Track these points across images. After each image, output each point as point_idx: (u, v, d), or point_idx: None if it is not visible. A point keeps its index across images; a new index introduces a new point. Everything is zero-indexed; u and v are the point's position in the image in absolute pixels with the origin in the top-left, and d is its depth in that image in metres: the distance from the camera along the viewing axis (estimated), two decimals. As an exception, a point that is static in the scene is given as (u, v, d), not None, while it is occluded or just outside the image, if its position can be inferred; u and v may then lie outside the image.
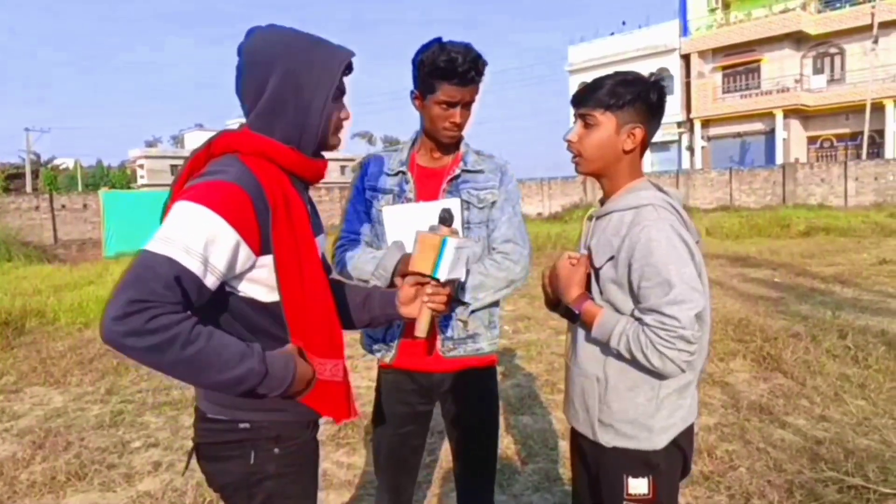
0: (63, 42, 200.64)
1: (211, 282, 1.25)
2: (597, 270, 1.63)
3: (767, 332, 5.94)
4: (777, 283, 9.25)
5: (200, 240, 1.20)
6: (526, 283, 2.10)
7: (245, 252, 1.29)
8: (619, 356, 1.56)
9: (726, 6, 34.46)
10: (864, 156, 27.91)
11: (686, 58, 34.11)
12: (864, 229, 16.17)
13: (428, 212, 1.94)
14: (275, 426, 1.40)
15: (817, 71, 32.04)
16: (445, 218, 1.67)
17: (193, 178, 1.34)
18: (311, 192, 1.59)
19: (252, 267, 1.32)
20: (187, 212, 1.22)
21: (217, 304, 1.34)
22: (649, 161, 36.13)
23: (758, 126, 32.26)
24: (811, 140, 32.47)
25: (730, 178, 26.33)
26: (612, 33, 37.32)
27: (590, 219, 1.74)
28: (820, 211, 20.89)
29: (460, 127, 1.96)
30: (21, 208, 20.58)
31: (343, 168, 58.52)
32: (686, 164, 33.60)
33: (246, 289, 1.36)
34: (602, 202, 1.72)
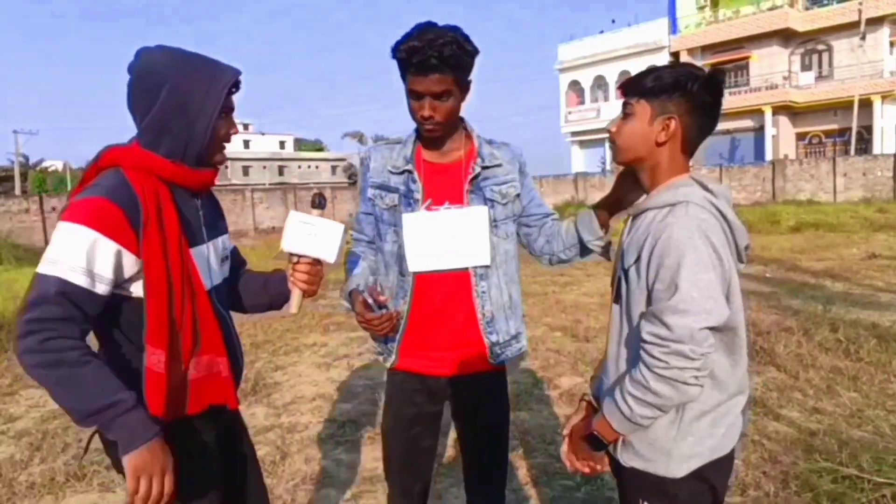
0: (51, 43, 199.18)
1: (102, 289, 1.39)
2: (625, 272, 1.52)
3: (760, 327, 5.99)
4: (768, 278, 9.31)
5: (81, 256, 1.35)
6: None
7: (130, 258, 1.41)
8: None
9: (715, 4, 34.65)
10: (852, 151, 28.14)
11: (675, 55, 34.24)
12: (853, 224, 16.31)
13: (450, 220, 1.88)
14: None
15: (805, 68, 32.29)
16: (316, 202, 1.70)
17: (80, 191, 1.46)
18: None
19: (141, 270, 1.44)
20: (66, 232, 1.36)
21: (112, 306, 1.46)
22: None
23: (747, 123, 32.46)
24: (800, 136, 32.70)
25: (720, 174, 26.46)
26: (602, 31, 37.47)
27: (628, 218, 1.63)
28: (809, 207, 21.05)
29: (435, 121, 1.82)
30: (11, 211, 20.43)
31: (334, 168, 58.45)
32: (676, 162, 33.68)
33: (136, 289, 1.46)
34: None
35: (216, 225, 1.69)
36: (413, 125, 1.94)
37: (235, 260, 1.84)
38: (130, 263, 1.42)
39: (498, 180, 1.95)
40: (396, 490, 2.13)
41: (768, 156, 30.20)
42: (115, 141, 1.54)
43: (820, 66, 31.98)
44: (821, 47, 31.83)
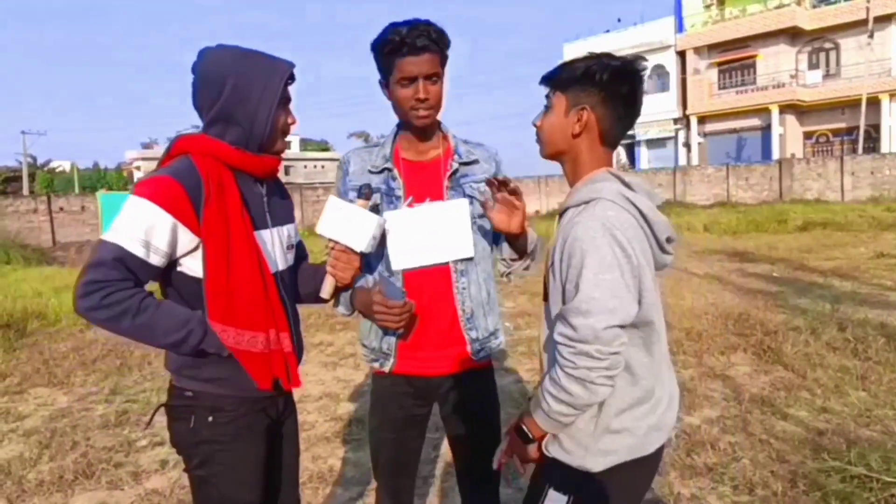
0: (58, 44, 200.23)
1: (156, 260, 1.51)
2: (549, 272, 1.50)
3: (767, 326, 5.97)
4: (776, 277, 9.28)
5: (141, 227, 1.47)
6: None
7: (186, 234, 1.51)
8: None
9: (721, 2, 34.52)
10: (860, 150, 27.98)
11: (682, 54, 34.17)
12: (860, 223, 16.23)
13: (432, 214, 1.88)
14: (211, 397, 1.61)
15: (813, 66, 32.13)
16: (360, 192, 1.78)
17: None
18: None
19: (198, 247, 1.54)
20: (132, 204, 1.49)
21: (168, 279, 1.60)
22: (645, 158, 36.18)
23: (754, 122, 32.35)
24: (807, 135, 32.55)
25: (727, 173, 26.40)
26: (608, 30, 37.37)
27: (556, 218, 1.59)
28: (817, 206, 20.98)
29: (429, 105, 1.82)
30: (19, 211, 20.56)
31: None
32: (683, 161, 33.66)
33: (190, 264, 1.56)
34: None
35: (283, 214, 1.79)
36: (389, 127, 1.98)
37: (299, 252, 1.92)
38: (186, 239, 1.52)
39: (476, 178, 1.96)
40: (386, 490, 2.13)
41: (775, 155, 30.07)
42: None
43: (827, 64, 31.81)
44: (828, 46, 31.66)
